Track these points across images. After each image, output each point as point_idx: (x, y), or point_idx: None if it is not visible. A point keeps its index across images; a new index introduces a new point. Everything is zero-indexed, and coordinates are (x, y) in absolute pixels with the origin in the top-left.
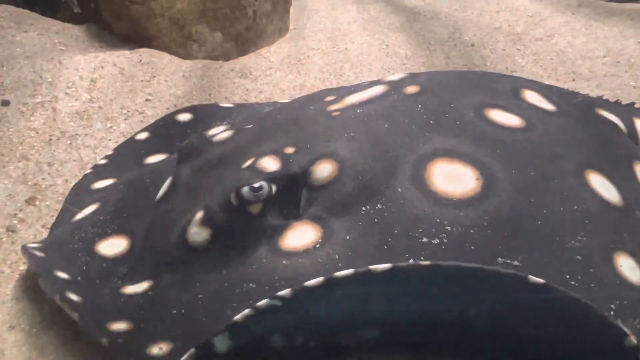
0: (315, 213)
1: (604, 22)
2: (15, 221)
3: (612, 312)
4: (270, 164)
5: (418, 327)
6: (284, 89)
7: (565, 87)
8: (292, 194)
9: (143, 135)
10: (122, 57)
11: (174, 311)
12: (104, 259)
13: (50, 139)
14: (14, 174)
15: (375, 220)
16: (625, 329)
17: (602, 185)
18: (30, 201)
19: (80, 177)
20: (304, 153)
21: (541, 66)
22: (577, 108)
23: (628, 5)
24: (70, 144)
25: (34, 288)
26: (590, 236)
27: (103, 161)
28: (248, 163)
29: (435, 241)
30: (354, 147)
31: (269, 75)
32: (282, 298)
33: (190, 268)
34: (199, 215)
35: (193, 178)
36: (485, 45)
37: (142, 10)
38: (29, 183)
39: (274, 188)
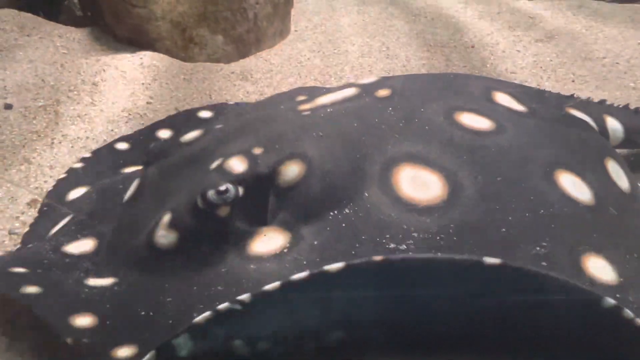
0: (283, 217)
1: (604, 23)
2: (17, 224)
3: None
4: (237, 164)
5: (380, 324)
6: (284, 91)
7: (565, 88)
8: (260, 196)
9: (123, 146)
10: (124, 61)
11: (142, 312)
12: (69, 255)
13: (52, 142)
14: (16, 176)
15: (343, 225)
16: (595, 292)
17: (572, 185)
18: (32, 204)
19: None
20: (272, 153)
21: (541, 67)
22: (547, 108)
23: (628, 6)
24: (72, 147)
25: None
26: (557, 241)
27: (78, 165)
28: (216, 164)
29: (403, 247)
30: (323, 146)
31: (270, 78)
32: (241, 302)
33: (157, 270)
34: (166, 218)
35: (160, 179)
36: (485, 47)
37: (143, 14)
38: (31, 186)
39: (240, 190)
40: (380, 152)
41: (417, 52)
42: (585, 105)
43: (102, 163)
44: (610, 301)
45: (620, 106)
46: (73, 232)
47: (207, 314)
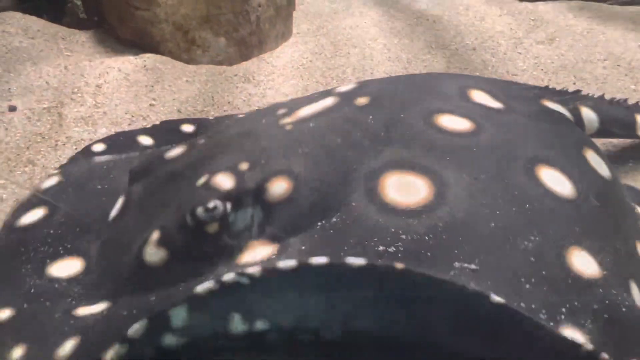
0: (271, 231)
1: (605, 25)
2: None
3: (562, 317)
4: (224, 181)
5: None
6: (286, 93)
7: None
8: (248, 212)
9: (99, 148)
10: (127, 63)
11: (126, 314)
12: (56, 280)
13: (57, 144)
14: (21, 178)
15: (331, 231)
16: (571, 338)
17: (553, 180)
18: None
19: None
20: (258, 169)
21: (542, 70)
22: (523, 102)
23: (630, 8)
24: (76, 149)
25: None
26: (543, 235)
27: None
28: (202, 180)
29: (392, 249)
30: (308, 163)
31: (272, 80)
32: (250, 275)
33: (147, 287)
34: (155, 235)
35: (146, 196)
36: (486, 49)
37: (146, 16)
38: None
39: (228, 206)
40: (364, 163)
41: (419, 55)
42: (560, 96)
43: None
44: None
45: (596, 96)
46: (54, 245)
47: (210, 283)
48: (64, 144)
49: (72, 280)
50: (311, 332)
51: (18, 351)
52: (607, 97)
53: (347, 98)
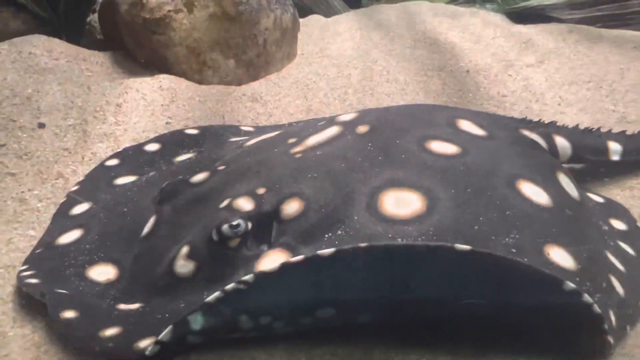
0: (285, 242)
1: (591, 49)
2: None
3: None
4: (245, 204)
5: (367, 303)
6: (291, 112)
7: (551, 111)
8: (265, 228)
9: (113, 162)
10: (144, 84)
11: (159, 316)
12: (96, 284)
13: (83, 159)
14: (51, 190)
15: (337, 242)
16: (556, 275)
17: (532, 191)
18: None
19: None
20: (274, 193)
21: (530, 91)
22: (504, 131)
23: (615, 32)
24: None
25: None
26: (522, 233)
27: (76, 187)
28: (225, 203)
29: None
30: (317, 186)
31: (278, 100)
32: (245, 282)
33: (177, 293)
34: (185, 250)
35: (174, 216)
36: (479, 72)
37: (162, 40)
38: None
39: (249, 225)
40: (365, 183)
41: (416, 77)
42: (537, 126)
43: (95, 180)
44: (571, 285)
45: (569, 126)
46: (89, 252)
47: (217, 293)
48: (90, 160)
49: (108, 285)
50: (309, 314)
51: (70, 313)
52: (588, 117)
53: (349, 127)
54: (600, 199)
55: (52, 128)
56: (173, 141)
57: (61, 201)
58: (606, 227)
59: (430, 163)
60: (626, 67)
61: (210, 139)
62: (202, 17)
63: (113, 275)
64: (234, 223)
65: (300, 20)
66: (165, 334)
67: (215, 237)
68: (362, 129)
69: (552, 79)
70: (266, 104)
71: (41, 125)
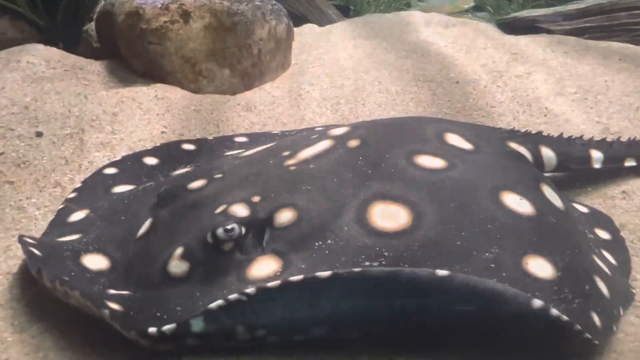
0: (277, 248)
1: (578, 60)
2: None
3: None
4: (240, 210)
5: (357, 323)
6: (285, 122)
7: (537, 121)
8: (259, 234)
9: (111, 170)
10: (140, 93)
11: (148, 308)
12: (88, 270)
13: (80, 167)
14: (48, 198)
15: (326, 252)
16: (521, 293)
17: (515, 202)
18: None
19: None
20: (268, 201)
21: (518, 102)
22: (491, 144)
23: (602, 44)
24: None
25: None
26: (503, 247)
27: (73, 194)
28: (221, 209)
29: (375, 264)
30: (310, 197)
31: (272, 110)
32: (247, 294)
33: (168, 291)
34: (179, 250)
35: (170, 219)
36: (468, 83)
37: (158, 50)
38: None
39: (243, 230)
40: (355, 196)
41: (407, 87)
42: (523, 137)
43: (93, 189)
44: (538, 302)
45: (554, 136)
46: (85, 244)
47: (219, 301)
48: (87, 168)
49: (99, 273)
50: (303, 331)
51: (76, 293)
52: (573, 128)
53: (340, 141)
54: (585, 209)
55: (49, 137)
56: (170, 156)
57: (59, 208)
58: (591, 236)
59: (418, 177)
60: (611, 79)
61: (206, 154)
62: (197, 27)
63: (105, 266)
64: (229, 227)
65: (295, 29)
66: (167, 328)
67: (210, 239)
68: (353, 143)
69: (539, 90)
70: (260, 113)
71: (39, 134)
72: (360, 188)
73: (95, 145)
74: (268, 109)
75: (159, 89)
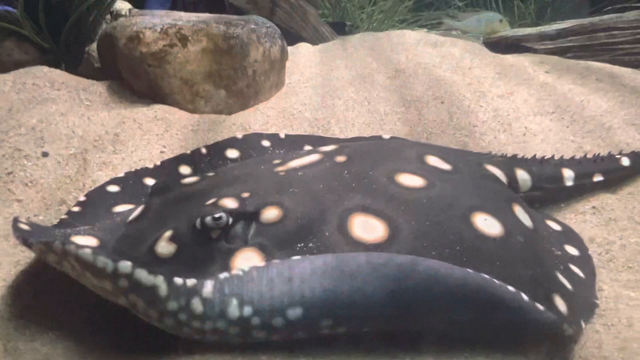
0: (261, 242)
1: (558, 80)
2: None
3: None
4: (230, 203)
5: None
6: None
7: (516, 140)
8: (245, 226)
9: (113, 188)
10: (140, 114)
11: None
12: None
13: (84, 186)
14: (54, 215)
15: (307, 254)
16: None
17: (485, 222)
18: None
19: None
20: (257, 198)
21: (499, 121)
22: (468, 165)
23: (582, 63)
24: None
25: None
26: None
27: (76, 208)
28: (211, 201)
29: None
30: (296, 200)
31: (266, 129)
32: (243, 270)
33: (152, 270)
34: (168, 233)
35: (162, 207)
36: (453, 102)
37: (158, 72)
38: None
39: (230, 220)
40: (338, 205)
41: (395, 107)
42: (499, 160)
43: (96, 204)
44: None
45: (529, 158)
46: (75, 231)
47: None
48: (90, 187)
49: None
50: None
51: (57, 244)
52: (549, 147)
53: (329, 156)
54: (558, 227)
55: (55, 157)
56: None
57: (60, 217)
58: (559, 252)
59: (397, 195)
60: (587, 98)
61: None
62: (195, 50)
63: (94, 244)
64: (217, 215)
65: (289, 47)
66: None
67: (198, 225)
68: (340, 158)
69: (519, 110)
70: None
71: (45, 154)
72: (343, 198)
73: (97, 165)
74: (262, 128)
75: (158, 109)
